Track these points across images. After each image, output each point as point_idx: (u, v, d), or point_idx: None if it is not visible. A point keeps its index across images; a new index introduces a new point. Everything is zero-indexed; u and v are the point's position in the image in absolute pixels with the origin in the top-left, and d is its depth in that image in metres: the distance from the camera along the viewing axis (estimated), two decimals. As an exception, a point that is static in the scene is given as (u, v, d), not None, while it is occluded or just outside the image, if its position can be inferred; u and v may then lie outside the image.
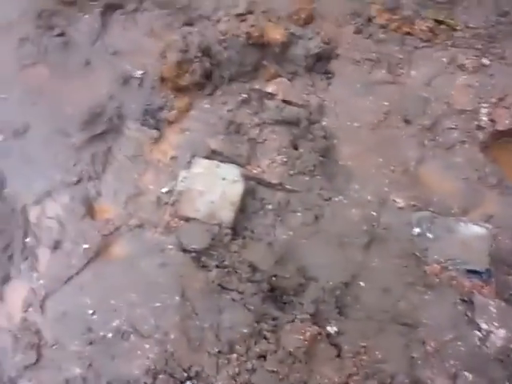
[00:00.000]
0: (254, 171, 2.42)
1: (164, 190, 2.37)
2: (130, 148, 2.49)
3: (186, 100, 2.63)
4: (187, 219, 2.21)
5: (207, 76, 2.65)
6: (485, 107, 2.76)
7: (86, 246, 2.18)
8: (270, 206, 2.35)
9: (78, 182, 2.37)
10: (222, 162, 2.40)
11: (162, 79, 2.63)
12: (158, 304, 2.04)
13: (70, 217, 2.26)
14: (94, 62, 2.73)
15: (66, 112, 2.56)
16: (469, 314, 2.08)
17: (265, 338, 1.96)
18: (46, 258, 2.20)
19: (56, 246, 2.20)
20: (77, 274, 2.12)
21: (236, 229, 2.23)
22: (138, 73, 2.66)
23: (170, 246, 2.18)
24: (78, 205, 2.29)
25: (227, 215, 2.22)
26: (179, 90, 2.64)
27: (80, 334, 1.99)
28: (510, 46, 2.96)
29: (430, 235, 2.28)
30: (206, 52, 2.64)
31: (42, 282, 2.15)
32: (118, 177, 2.41)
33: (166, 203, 2.32)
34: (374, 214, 2.38)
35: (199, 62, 2.60)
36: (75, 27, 2.84)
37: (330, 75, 2.79)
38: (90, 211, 2.30)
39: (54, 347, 1.98)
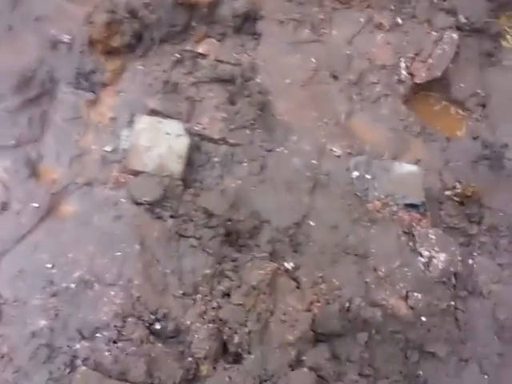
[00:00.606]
0: (196, 127, 2.43)
1: (107, 148, 2.35)
2: (66, 111, 2.45)
3: (118, 62, 2.61)
4: (136, 173, 2.23)
5: (138, 37, 2.65)
6: (403, 62, 2.95)
7: (35, 205, 2.13)
8: (215, 159, 2.41)
9: (17, 145, 2.29)
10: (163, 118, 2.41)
11: (92, 42, 2.60)
12: (118, 253, 2.05)
13: (14, 178, 2.20)
14: (17, 28, 2.64)
15: (-5, 78, 2.46)
16: (411, 243, 2.24)
17: (227, 277, 2.02)
18: (-6, 219, 2.17)
19: (3, 207, 2.12)
20: (29, 232, 2.08)
21: (186, 181, 2.27)
22: (66, 37, 2.60)
23: (123, 200, 2.19)
24: (20, 167, 2.23)
25: (176, 167, 2.26)
26: (110, 53, 2.63)
27: (41, 288, 1.96)
28: (419, 5, 3.18)
29: (368, 176, 2.43)
30: (133, 14, 2.61)
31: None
32: (58, 139, 2.37)
33: (112, 161, 2.31)
34: (315, 162, 2.50)
35: (128, 23, 2.58)
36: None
37: (257, 36, 2.87)
38: (35, 172, 2.26)
39: (14, 303, 1.93)
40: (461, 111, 2.98)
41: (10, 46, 2.56)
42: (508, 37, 3.36)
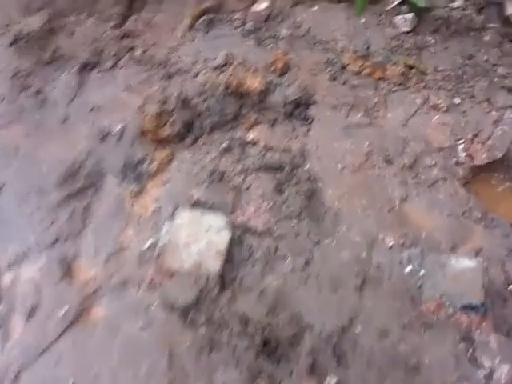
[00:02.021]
0: (240, 219, 2.37)
1: (146, 244, 2.22)
2: (109, 204, 2.35)
3: (167, 151, 2.57)
4: (172, 273, 2.05)
5: (188, 127, 2.59)
6: (461, 143, 2.80)
7: (63, 310, 2.00)
8: (258, 254, 2.22)
9: (55, 242, 2.22)
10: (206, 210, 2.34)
11: (142, 132, 2.56)
12: (143, 368, 1.85)
13: (47, 280, 2.10)
14: (72, 119, 2.66)
15: (42, 170, 2.44)
16: (470, 351, 2.03)
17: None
18: (20, 326, 2.02)
19: (31, 312, 2.01)
20: (55, 342, 1.94)
21: (224, 279, 2.09)
22: (117, 127, 2.60)
23: (155, 304, 2.02)
24: (54, 267, 2.13)
25: (214, 265, 2.07)
26: (160, 142, 2.57)
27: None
28: (478, 85, 3.03)
29: (421, 272, 2.24)
30: (185, 103, 2.61)
31: (15, 353, 1.96)
32: (97, 234, 2.26)
33: (150, 259, 2.18)
34: (365, 254, 2.33)
35: (179, 114, 2.57)
36: (52, 86, 2.80)
37: (309, 121, 2.79)
38: (68, 273, 2.13)
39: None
40: (528, 194, 2.79)
41: (62, 138, 2.54)
42: None
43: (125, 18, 3.07)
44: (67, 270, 2.14)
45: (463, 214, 2.51)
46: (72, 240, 2.23)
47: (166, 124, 2.45)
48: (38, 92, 2.68)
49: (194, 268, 2.04)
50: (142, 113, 2.49)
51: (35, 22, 2.86)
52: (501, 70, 3.06)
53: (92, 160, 2.45)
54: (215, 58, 2.74)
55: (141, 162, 2.47)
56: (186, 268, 2.04)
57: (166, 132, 2.46)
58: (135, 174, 2.43)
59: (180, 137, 2.51)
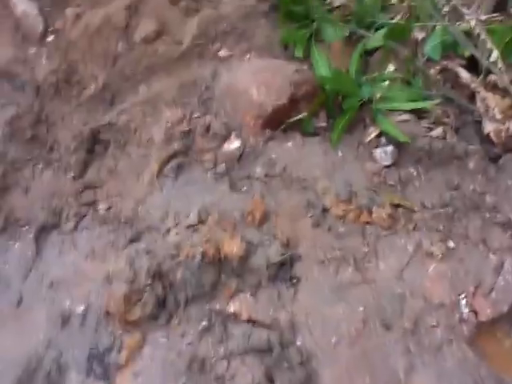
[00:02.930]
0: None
1: None
2: None
3: (138, 335, 2.27)
4: None
5: (160, 303, 2.33)
6: (463, 298, 2.58)
7: None
8: None
9: None
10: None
11: (108, 313, 2.29)
12: None
13: None
14: (27, 300, 2.35)
15: (-6, 371, 2.13)
16: None
17: None
18: None
19: None
20: None
21: None
22: (80, 308, 2.30)
23: None
24: None
25: None
26: (129, 324, 2.30)
27: None
28: (471, 223, 2.87)
29: None
30: (157, 275, 2.35)
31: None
32: None
33: None
34: None
35: (150, 291, 2.30)
36: (4, 259, 2.50)
37: (295, 281, 2.55)
38: None
39: None
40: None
41: (16, 326, 2.24)
42: None
43: (85, 165, 2.83)
44: None
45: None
46: None
47: (135, 306, 2.12)
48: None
49: None
50: (107, 291, 2.15)
51: (-15, 181, 2.55)
52: (489, 199, 2.93)
53: (52, 353, 2.13)
54: (188, 215, 2.48)
55: (108, 350, 2.17)
56: None
57: (135, 315, 2.15)
58: (102, 366, 2.09)
59: (152, 317, 2.18)
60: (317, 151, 3.09)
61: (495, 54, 3.39)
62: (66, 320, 2.28)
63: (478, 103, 3.43)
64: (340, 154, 3.09)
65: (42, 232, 2.62)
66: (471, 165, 3.17)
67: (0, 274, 2.45)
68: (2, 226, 2.60)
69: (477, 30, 3.47)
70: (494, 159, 3.29)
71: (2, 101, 2.98)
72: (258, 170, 2.98)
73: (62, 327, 2.27)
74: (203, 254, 2.33)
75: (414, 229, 2.83)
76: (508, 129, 3.31)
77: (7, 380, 2.10)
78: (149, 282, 2.27)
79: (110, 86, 3.19)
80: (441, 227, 2.82)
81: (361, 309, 2.43)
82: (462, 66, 3.58)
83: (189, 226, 2.52)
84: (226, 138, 3.06)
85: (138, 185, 2.86)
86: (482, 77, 3.49)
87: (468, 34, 3.47)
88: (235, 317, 2.31)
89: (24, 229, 2.61)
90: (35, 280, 2.43)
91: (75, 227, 2.63)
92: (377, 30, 3.57)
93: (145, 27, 3.30)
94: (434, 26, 3.48)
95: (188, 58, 3.35)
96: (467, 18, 3.52)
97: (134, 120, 3.06)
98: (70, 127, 3.03)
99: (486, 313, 2.51)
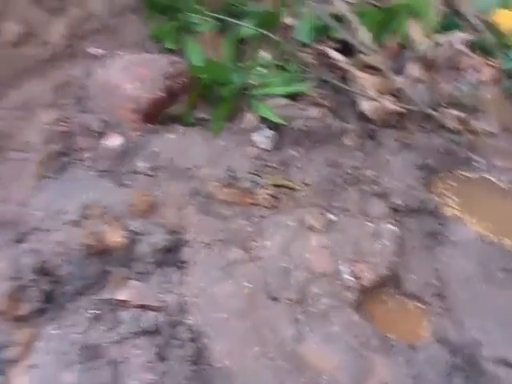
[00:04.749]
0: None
1: None
2: None
3: (29, 330, 2.36)
4: None
5: (48, 298, 2.44)
6: (345, 265, 2.86)
7: None
8: None
9: None
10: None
11: None
12: None
13: None
14: None
15: None
16: None
17: None
18: None
19: None
20: None
21: None
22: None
23: None
24: None
25: None
26: (19, 320, 2.38)
27: None
28: (350, 196, 3.17)
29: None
30: (42, 271, 2.45)
31: None
32: None
33: None
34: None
35: (36, 286, 2.40)
36: None
37: (183, 265, 2.72)
38: None
39: None
40: (420, 305, 2.84)
41: None
42: (447, 199, 3.39)
43: (-38, 173, 2.83)
44: None
45: (361, 344, 2.53)
46: None
47: (21, 302, 2.22)
48: None
49: None
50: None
51: None
52: (368, 173, 3.25)
53: None
54: (70, 212, 2.55)
55: (0, 347, 2.21)
56: None
57: (23, 311, 2.27)
58: (-4, 353, 2.16)
59: (40, 311, 2.32)
60: (199, 141, 3.29)
61: (365, 34, 3.75)
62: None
63: (353, 83, 3.76)
64: (221, 142, 3.31)
65: None
66: (348, 142, 3.49)
67: None
68: None
69: (344, 12, 3.81)
70: (372, 136, 3.63)
71: None
72: (141, 164, 3.13)
73: None
74: (86, 247, 2.44)
75: (297, 206, 3.08)
76: (384, 106, 3.66)
77: None
78: (33, 278, 2.35)
79: (-22, 92, 3.22)
80: (322, 202, 3.09)
81: (247, 284, 2.63)
82: (335, 48, 3.90)
83: (71, 222, 2.62)
84: (105, 134, 3.18)
85: (19, 188, 2.93)
86: (354, 58, 3.83)
87: (340, 18, 3.79)
88: (124, 304, 2.44)
89: None
90: None
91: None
92: (247, 18, 3.80)
93: (9, 29, 3.34)
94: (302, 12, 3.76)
95: (59, 58, 3.44)
96: (334, 1, 3.86)
97: (8, 125, 3.11)
98: None
99: (367, 277, 2.80)
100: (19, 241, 2.63)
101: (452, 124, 3.55)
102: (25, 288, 2.40)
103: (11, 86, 3.30)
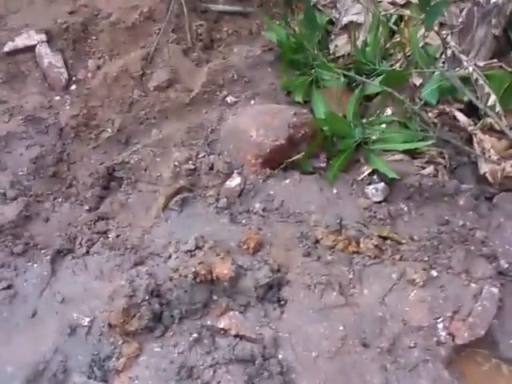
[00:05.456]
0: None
1: None
2: None
3: (135, 345, 2.68)
4: None
5: (157, 317, 2.76)
6: (441, 322, 2.93)
7: None
8: None
9: None
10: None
11: (110, 325, 2.74)
12: None
13: None
14: (41, 313, 2.80)
15: (6, 371, 2.57)
16: None
17: None
18: None
19: None
20: None
21: None
22: (86, 320, 2.76)
23: None
24: None
25: None
26: (128, 335, 2.73)
27: None
28: (455, 255, 3.22)
29: None
30: (154, 293, 2.80)
31: None
32: None
33: None
34: None
35: (147, 306, 2.73)
36: (23, 278, 3.01)
37: (282, 303, 2.94)
38: None
39: None
40: (515, 370, 2.77)
41: (29, 335, 2.67)
42: None
43: (100, 200, 3.32)
44: None
45: (449, 404, 2.57)
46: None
47: (133, 318, 2.56)
48: (9, 287, 2.83)
49: None
50: (110, 304, 2.62)
51: (11, 211, 3.09)
52: (478, 234, 3.26)
53: (58, 357, 2.56)
54: (187, 242, 2.90)
55: (108, 357, 2.59)
56: None
57: (133, 326, 2.59)
58: (102, 371, 2.52)
59: (149, 329, 2.62)
60: (313, 188, 3.53)
61: (493, 98, 3.82)
62: (73, 330, 2.71)
63: (475, 145, 3.83)
64: (335, 190, 3.52)
65: (58, 255, 3.11)
66: (462, 202, 3.54)
67: (19, 292, 2.93)
68: (22, 249, 3.11)
69: (474, 76, 3.91)
70: (490, 198, 3.66)
71: (28, 142, 3.56)
72: (257, 205, 3.43)
73: (69, 336, 2.71)
74: (195, 275, 2.76)
75: (400, 259, 3.20)
76: (504, 169, 3.69)
77: (19, 378, 2.56)
78: (146, 298, 2.71)
79: (125, 130, 3.75)
80: (426, 258, 3.18)
81: (341, 328, 2.79)
82: (460, 110, 4.00)
83: (187, 252, 2.96)
84: (228, 175, 3.54)
85: (146, 217, 3.35)
86: (479, 120, 3.90)
87: (467, 79, 3.90)
88: (224, 332, 2.70)
89: (42, 252, 3.12)
90: (49, 296, 2.90)
91: (87, 252, 3.12)
92: (376, 77, 4.04)
93: (158, 76, 3.87)
94: (433, 72, 3.92)
95: (197, 104, 3.89)
96: (465, 64, 3.98)
97: (144, 159, 3.59)
98: (87, 166, 3.58)
99: (463, 336, 2.84)
100: (138, 263, 3.00)
101: None
102: (138, 306, 2.71)
103: (154, 125, 3.80)
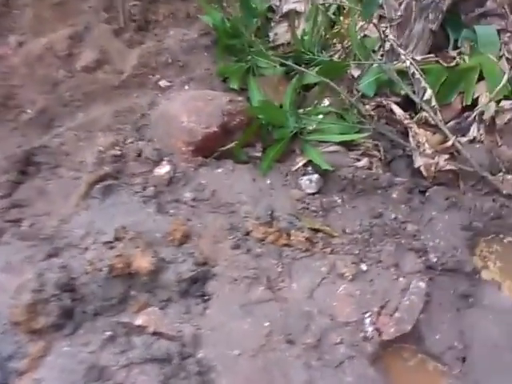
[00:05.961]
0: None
1: None
2: None
3: (42, 344, 2.43)
4: None
5: (68, 314, 2.52)
6: (368, 316, 2.82)
7: None
8: None
9: None
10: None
11: (14, 322, 2.50)
12: None
13: None
14: None
15: None
16: None
17: None
18: None
19: None
20: None
21: None
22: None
23: None
24: None
25: None
26: (34, 333, 2.48)
27: None
28: (385, 248, 3.13)
29: None
30: (66, 288, 2.56)
31: None
32: None
33: None
34: None
35: (56, 301, 2.48)
36: None
37: (206, 298, 2.76)
38: None
39: None
40: (440, 366, 2.75)
41: None
42: (489, 263, 3.27)
43: (15, 185, 3.06)
44: None
45: (371, 402, 2.46)
46: None
47: (39, 315, 2.34)
48: None
49: None
50: (15, 301, 2.38)
51: None
52: (410, 228, 3.19)
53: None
54: (105, 232, 2.69)
55: (10, 357, 2.35)
56: None
57: (39, 323, 2.37)
58: (2, 372, 2.29)
59: (57, 326, 2.40)
60: (246, 178, 3.36)
61: (429, 92, 3.75)
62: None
63: (410, 138, 3.76)
64: (268, 181, 3.37)
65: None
66: (395, 195, 3.46)
67: None
68: None
69: (411, 70, 3.84)
70: (424, 192, 3.60)
71: None
72: (187, 195, 3.23)
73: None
74: (111, 268, 2.55)
75: (331, 252, 3.07)
76: (437, 163, 3.63)
77: None
78: (56, 293, 2.48)
79: (48, 112, 3.49)
80: (356, 251, 3.07)
81: (266, 324, 2.64)
82: (397, 103, 3.93)
83: (105, 243, 2.75)
84: (157, 163, 3.33)
85: (66, 205, 3.10)
86: (416, 114, 3.84)
87: (404, 73, 3.83)
88: (141, 329, 2.50)
89: None
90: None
91: (-4, 240, 2.86)
92: (315, 66, 3.91)
93: (86, 56, 3.62)
94: (371, 65, 3.83)
95: (127, 87, 3.66)
96: (403, 57, 3.91)
97: (67, 143, 3.34)
98: (4, 149, 3.29)
99: (390, 331, 2.74)
100: (52, 255, 2.75)
101: (508, 189, 3.44)
102: (46, 302, 2.48)
103: (79, 108, 3.55)
